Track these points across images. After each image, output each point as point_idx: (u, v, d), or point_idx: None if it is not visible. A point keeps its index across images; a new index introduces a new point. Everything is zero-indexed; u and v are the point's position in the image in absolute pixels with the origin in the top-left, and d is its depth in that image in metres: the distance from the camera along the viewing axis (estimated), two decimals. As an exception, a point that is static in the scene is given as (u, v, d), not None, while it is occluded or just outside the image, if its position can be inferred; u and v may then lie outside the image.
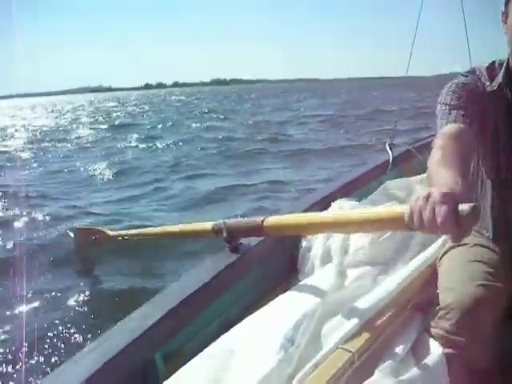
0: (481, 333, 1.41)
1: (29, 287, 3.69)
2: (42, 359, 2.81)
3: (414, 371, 1.30)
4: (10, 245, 4.82)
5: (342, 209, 2.13)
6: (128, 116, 32.64)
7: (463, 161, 1.44)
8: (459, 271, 1.55)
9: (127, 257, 3.99)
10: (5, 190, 7.66)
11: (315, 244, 2.03)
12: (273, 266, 2.08)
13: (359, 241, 1.89)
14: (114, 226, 5.00)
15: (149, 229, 2.89)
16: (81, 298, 3.54)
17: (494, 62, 1.68)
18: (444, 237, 1.82)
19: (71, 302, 3.51)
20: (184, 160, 11.18)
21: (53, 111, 50.86)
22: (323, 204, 2.30)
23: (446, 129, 1.57)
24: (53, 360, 2.79)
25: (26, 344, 2.91)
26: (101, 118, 30.51)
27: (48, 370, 2.63)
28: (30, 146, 16.27)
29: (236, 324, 1.45)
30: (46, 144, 16.79)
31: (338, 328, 1.38)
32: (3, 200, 7.11)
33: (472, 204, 1.07)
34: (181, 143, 14.47)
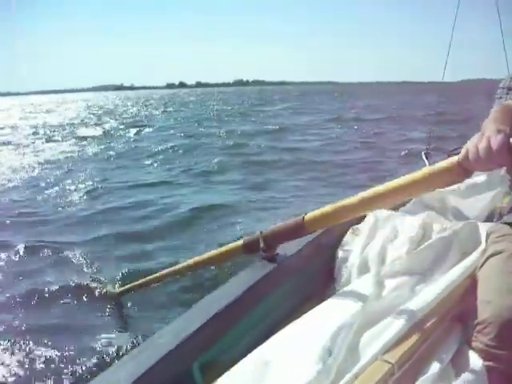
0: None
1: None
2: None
3: (454, 383, 1.29)
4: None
5: (378, 219, 2.12)
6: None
7: None
8: (496, 282, 1.54)
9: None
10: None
11: (352, 254, 2.02)
12: (310, 276, 2.07)
13: (397, 251, 1.88)
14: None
15: (167, 270, 2.72)
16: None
17: None
18: (483, 246, 1.82)
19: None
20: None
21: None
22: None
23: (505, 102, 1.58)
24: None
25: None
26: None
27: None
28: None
29: (272, 334, 1.45)
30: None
31: (377, 339, 1.37)
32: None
33: None
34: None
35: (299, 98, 56.05)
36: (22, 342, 3.20)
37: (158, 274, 2.78)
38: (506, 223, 1.80)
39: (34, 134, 22.13)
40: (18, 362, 3.00)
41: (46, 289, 4.08)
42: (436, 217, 2.09)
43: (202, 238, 5.68)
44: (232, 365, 1.33)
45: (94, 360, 3.00)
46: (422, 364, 1.37)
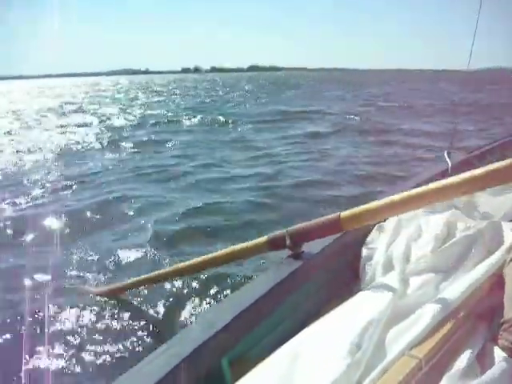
0: None
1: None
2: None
3: (480, 380, 1.31)
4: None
5: (402, 218, 2.15)
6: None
7: None
8: None
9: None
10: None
11: (377, 252, 2.05)
12: (335, 273, 2.10)
13: (421, 249, 1.90)
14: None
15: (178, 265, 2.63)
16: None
17: None
18: (507, 244, 1.85)
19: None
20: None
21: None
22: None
23: None
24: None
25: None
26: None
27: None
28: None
29: (299, 330, 1.48)
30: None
31: (404, 334, 1.40)
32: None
33: None
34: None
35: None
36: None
37: (168, 270, 2.73)
38: None
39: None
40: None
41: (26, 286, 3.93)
42: (460, 216, 2.10)
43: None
44: (260, 360, 1.36)
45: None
46: (448, 359, 1.40)
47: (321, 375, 1.23)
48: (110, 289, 3.41)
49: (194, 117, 18.82)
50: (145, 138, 13.74)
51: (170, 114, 21.38)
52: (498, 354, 1.45)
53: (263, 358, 1.37)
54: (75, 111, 24.21)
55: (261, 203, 6.48)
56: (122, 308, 3.41)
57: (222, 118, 17.95)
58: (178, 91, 48.05)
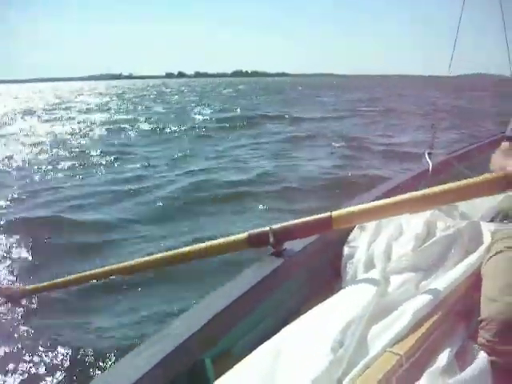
0: None
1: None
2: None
3: (459, 377, 1.33)
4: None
5: (382, 221, 2.16)
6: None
7: None
8: (500, 281, 1.60)
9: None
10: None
11: (358, 251, 2.06)
12: (317, 271, 2.12)
13: (402, 248, 1.92)
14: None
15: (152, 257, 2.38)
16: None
17: None
18: (488, 243, 1.88)
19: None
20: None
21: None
22: None
23: None
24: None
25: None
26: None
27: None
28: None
29: (282, 327, 1.49)
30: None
31: (385, 332, 1.41)
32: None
33: None
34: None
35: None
36: None
37: (137, 262, 2.42)
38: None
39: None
40: None
41: None
42: (440, 216, 2.12)
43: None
44: (242, 357, 1.36)
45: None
46: (428, 357, 1.42)
47: (303, 372, 1.24)
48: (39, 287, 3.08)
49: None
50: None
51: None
52: (477, 351, 1.48)
53: (246, 356, 1.37)
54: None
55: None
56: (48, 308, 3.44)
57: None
58: (151, 96, 48.38)
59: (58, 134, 16.82)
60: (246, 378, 1.28)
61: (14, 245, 5.10)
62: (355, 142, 13.03)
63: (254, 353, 1.37)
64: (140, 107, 32.52)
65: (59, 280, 2.79)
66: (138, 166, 10.66)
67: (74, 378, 2.80)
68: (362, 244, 2.09)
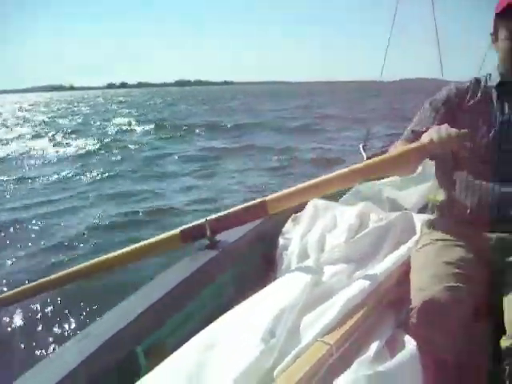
0: (450, 330, 1.50)
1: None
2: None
3: (389, 364, 1.35)
4: None
5: (317, 208, 2.17)
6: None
7: None
8: (430, 271, 1.63)
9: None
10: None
11: (292, 241, 2.06)
12: (251, 262, 2.11)
13: (335, 239, 1.93)
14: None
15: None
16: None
17: (489, 74, 1.89)
18: (417, 236, 1.91)
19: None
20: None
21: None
22: (302, 204, 2.26)
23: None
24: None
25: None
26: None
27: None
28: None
29: (216, 319, 1.47)
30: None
31: (317, 322, 1.42)
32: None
33: None
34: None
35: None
36: None
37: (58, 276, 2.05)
38: (439, 216, 1.91)
39: None
40: None
41: None
42: (373, 207, 2.15)
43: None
44: (177, 348, 1.35)
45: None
46: (359, 345, 1.43)
47: (233, 363, 1.23)
48: None
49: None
50: None
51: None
52: (407, 340, 1.49)
53: (179, 347, 1.35)
54: None
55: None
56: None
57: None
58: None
59: None
60: (177, 370, 1.26)
61: None
62: (287, 152, 12.99)
63: (187, 344, 1.36)
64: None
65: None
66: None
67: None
68: (296, 235, 2.09)
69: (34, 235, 6.32)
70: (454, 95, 1.89)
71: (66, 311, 3.65)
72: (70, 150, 15.15)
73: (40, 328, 3.40)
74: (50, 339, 3.13)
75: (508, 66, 1.78)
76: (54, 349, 2.71)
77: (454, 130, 1.62)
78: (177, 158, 13.40)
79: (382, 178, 2.63)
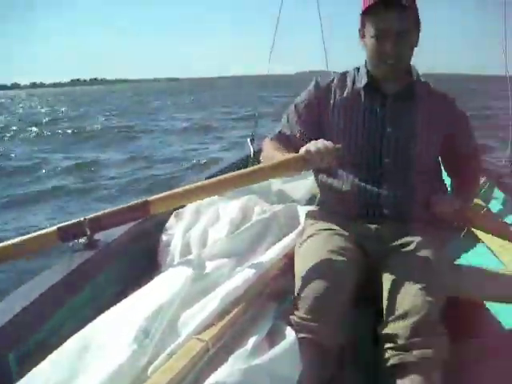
0: (332, 318, 1.52)
1: None
2: None
3: (267, 356, 1.34)
4: None
5: (201, 203, 2.13)
6: None
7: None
8: (313, 261, 1.64)
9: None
10: None
11: (175, 238, 2.02)
12: (133, 260, 2.05)
13: (217, 233, 1.91)
14: None
15: None
16: None
17: (358, 68, 1.93)
18: (301, 227, 1.93)
19: None
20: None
21: None
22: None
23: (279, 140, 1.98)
24: None
25: None
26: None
27: None
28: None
29: (94, 320, 1.41)
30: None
31: (194, 318, 1.39)
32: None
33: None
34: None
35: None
36: None
37: None
38: (322, 208, 1.96)
39: None
40: None
41: None
42: (257, 200, 2.14)
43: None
44: (51, 352, 1.28)
45: None
46: (237, 340, 1.41)
47: (107, 364, 1.19)
48: None
49: None
50: None
51: None
52: (288, 330, 1.49)
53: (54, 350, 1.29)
54: None
55: None
56: None
57: None
58: None
59: None
60: (48, 376, 1.20)
61: None
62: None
63: (59, 349, 1.29)
64: None
65: None
66: None
67: None
68: (178, 231, 2.06)
69: None
70: (314, 96, 1.92)
71: None
72: None
73: None
74: None
75: (375, 63, 1.81)
76: None
77: (329, 146, 1.64)
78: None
79: None
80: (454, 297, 1.66)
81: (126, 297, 1.53)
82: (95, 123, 23.15)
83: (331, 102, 1.89)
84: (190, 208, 2.14)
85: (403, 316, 1.48)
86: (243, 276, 1.60)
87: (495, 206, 3.16)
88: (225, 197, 2.27)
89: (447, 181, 2.06)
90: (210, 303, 1.45)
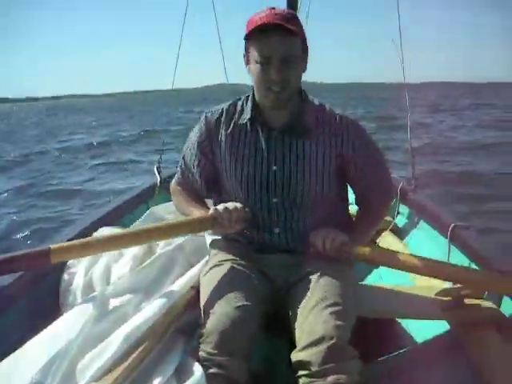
0: (240, 351, 1.49)
1: None
2: None
3: None
4: None
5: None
6: None
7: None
8: (217, 294, 1.62)
9: None
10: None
11: (77, 275, 1.95)
12: (34, 303, 1.95)
13: (121, 269, 1.85)
14: None
15: None
16: None
17: (247, 96, 1.85)
18: (206, 258, 1.91)
19: None
20: None
21: None
22: (84, 236, 2.05)
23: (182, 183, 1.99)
24: None
25: None
26: None
27: None
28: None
29: None
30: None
31: (93, 364, 1.34)
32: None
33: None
34: None
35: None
36: None
37: None
38: (225, 238, 1.92)
39: None
40: None
41: None
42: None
43: None
44: None
45: None
46: (145, 378, 1.38)
47: None
48: None
49: None
50: None
51: None
52: (196, 367, 1.45)
53: None
54: None
55: None
56: None
57: None
58: None
59: None
60: None
61: None
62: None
63: None
64: None
65: None
66: None
67: None
68: (80, 269, 1.97)
69: None
70: (204, 136, 1.87)
71: None
72: None
73: None
74: None
75: (261, 92, 1.74)
76: None
77: (238, 210, 1.68)
78: None
79: None
80: (363, 316, 1.67)
81: (23, 343, 1.44)
82: None
83: (219, 138, 1.84)
84: None
85: (315, 343, 1.46)
86: (148, 312, 1.56)
87: (401, 220, 3.29)
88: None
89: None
90: (112, 345, 1.39)
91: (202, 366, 1.44)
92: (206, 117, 1.88)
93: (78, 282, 1.84)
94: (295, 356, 1.50)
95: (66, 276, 1.99)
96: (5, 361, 1.36)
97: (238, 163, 1.81)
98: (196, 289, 1.77)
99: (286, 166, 1.78)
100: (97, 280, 1.79)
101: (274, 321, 1.70)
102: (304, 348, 1.48)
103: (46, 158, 15.71)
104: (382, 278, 2.74)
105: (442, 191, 7.11)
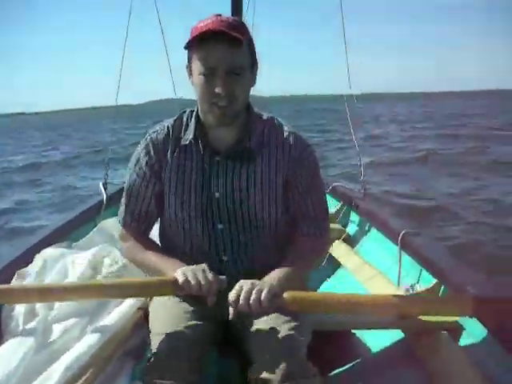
0: (189, 376, 1.44)
1: None
2: None
3: None
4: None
5: (47, 260, 1.96)
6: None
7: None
8: (166, 315, 1.58)
9: None
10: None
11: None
12: None
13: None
14: None
15: None
16: None
17: (192, 111, 1.72)
18: None
19: None
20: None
21: None
22: (28, 257, 2.06)
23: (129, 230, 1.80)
24: None
25: None
26: None
27: None
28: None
29: None
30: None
31: None
32: None
33: None
34: None
35: None
36: None
37: None
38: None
39: None
40: None
41: None
42: (109, 250, 2.01)
43: None
44: None
45: None
46: None
47: None
48: None
49: None
50: None
51: None
52: None
53: None
54: None
55: None
56: None
57: None
58: None
59: None
60: None
61: None
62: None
63: None
64: None
65: None
66: None
67: None
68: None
69: None
70: (153, 153, 1.70)
71: None
72: None
73: None
74: None
75: (205, 107, 1.59)
76: None
77: (210, 278, 1.45)
78: None
79: None
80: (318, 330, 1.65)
81: None
82: None
83: (167, 159, 1.69)
84: (34, 265, 1.96)
85: (274, 360, 1.40)
86: (93, 337, 1.51)
87: (352, 228, 3.32)
88: (73, 249, 2.15)
89: None
90: (58, 371, 1.33)
91: None
92: (151, 138, 1.72)
93: (20, 308, 1.74)
94: (253, 374, 1.44)
95: None
96: None
97: (179, 187, 1.68)
98: (144, 310, 1.73)
99: (228, 193, 1.66)
100: (40, 305, 1.71)
101: (225, 339, 1.67)
102: (263, 366, 1.42)
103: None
104: (335, 287, 2.75)
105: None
